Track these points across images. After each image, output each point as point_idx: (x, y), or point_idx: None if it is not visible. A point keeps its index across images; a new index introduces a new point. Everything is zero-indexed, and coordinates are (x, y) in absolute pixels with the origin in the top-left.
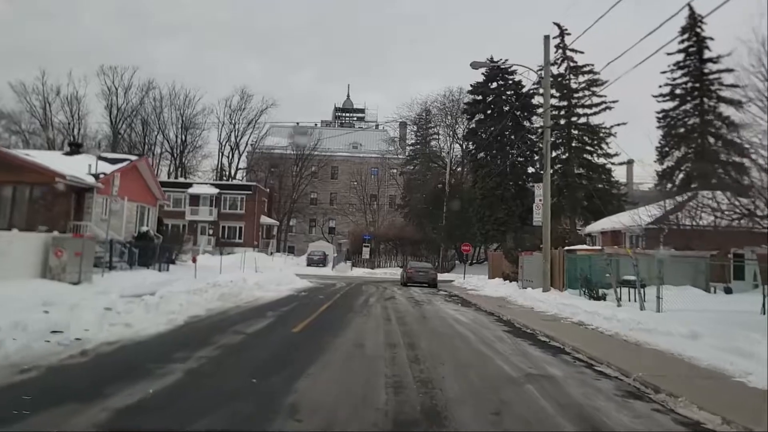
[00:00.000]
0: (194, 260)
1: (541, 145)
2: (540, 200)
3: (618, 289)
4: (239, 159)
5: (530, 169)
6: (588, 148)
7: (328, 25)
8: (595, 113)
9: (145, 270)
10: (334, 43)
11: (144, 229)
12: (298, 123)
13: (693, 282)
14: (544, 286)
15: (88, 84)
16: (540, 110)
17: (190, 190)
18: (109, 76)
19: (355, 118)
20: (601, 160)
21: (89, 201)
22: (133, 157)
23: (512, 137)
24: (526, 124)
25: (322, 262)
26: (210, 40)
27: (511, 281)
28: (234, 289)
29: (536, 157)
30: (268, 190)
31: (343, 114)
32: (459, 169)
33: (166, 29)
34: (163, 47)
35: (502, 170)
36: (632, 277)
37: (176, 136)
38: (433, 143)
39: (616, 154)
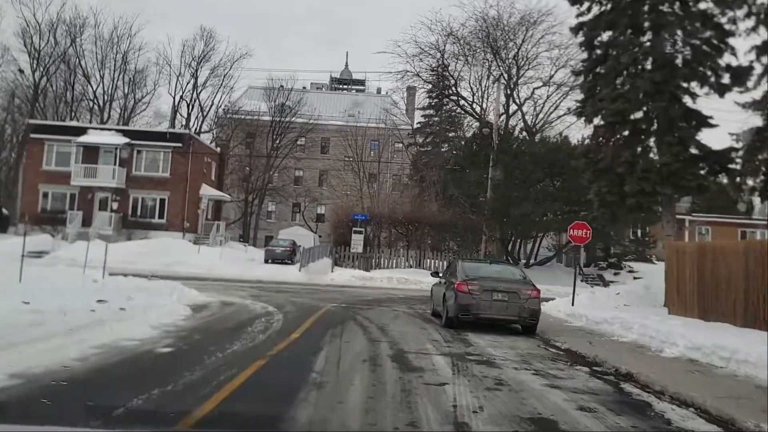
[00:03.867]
0: None
1: None
2: None
3: None
4: (201, 121)
5: (724, 61)
6: None
7: None
8: None
9: None
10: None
11: None
12: (281, 87)
13: None
14: None
15: (3, 17)
16: None
17: (83, 138)
18: (29, 6)
19: (354, 91)
20: None
21: None
22: None
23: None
24: None
25: (288, 257)
26: None
27: None
28: None
29: (740, 35)
30: (218, 149)
31: (341, 86)
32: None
33: None
34: None
35: (667, 60)
36: None
37: (121, 91)
38: (462, 90)
39: None
